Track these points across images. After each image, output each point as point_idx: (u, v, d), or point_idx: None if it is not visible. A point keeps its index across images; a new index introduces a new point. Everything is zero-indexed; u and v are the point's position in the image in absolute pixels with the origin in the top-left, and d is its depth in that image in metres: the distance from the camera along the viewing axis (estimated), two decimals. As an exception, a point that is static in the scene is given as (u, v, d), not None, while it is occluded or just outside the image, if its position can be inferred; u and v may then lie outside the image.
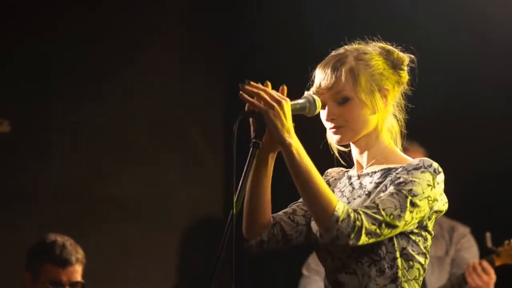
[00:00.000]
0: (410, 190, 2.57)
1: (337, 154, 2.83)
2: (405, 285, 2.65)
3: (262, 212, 2.73)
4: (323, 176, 2.88)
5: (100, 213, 5.57)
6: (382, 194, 2.59)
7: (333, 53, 2.79)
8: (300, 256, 5.18)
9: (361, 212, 2.53)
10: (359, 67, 2.72)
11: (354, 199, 2.72)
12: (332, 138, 2.76)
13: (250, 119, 2.65)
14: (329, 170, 2.92)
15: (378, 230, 2.53)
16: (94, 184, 5.58)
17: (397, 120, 2.81)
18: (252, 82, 2.61)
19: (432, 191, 2.61)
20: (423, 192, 2.59)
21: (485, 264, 4.64)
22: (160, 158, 5.81)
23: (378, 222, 2.53)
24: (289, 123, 2.57)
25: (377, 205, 2.55)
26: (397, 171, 2.64)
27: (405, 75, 2.80)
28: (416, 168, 2.62)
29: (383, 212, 2.53)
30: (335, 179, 2.88)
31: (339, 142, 2.75)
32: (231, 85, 5.97)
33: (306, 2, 5.62)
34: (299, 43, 5.54)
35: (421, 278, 2.70)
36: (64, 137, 5.55)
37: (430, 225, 2.70)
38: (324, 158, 2.86)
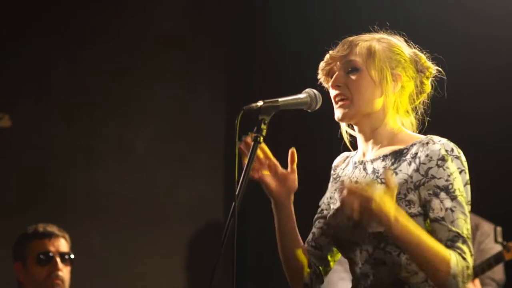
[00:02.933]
0: (459, 189, 2.60)
1: (347, 143, 2.83)
2: None
3: (297, 258, 2.77)
4: (332, 171, 2.88)
5: (101, 211, 5.56)
6: (442, 211, 2.58)
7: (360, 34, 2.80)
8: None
9: (466, 257, 2.55)
10: (379, 47, 2.73)
11: None
12: (335, 114, 2.74)
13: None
14: (335, 163, 2.90)
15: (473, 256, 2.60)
16: (95, 183, 5.58)
17: (412, 124, 2.80)
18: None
19: (465, 174, 2.64)
20: (461, 182, 2.61)
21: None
22: (161, 157, 5.80)
23: (469, 246, 2.58)
24: (386, 207, 2.50)
25: (459, 233, 2.56)
26: (421, 160, 2.61)
27: (427, 84, 2.80)
28: (445, 158, 2.61)
29: (465, 234, 2.57)
30: (343, 168, 2.86)
31: (341, 118, 2.73)
32: (232, 84, 5.97)
33: (310, 1, 5.62)
34: (302, 42, 5.54)
35: None
36: (66, 134, 5.55)
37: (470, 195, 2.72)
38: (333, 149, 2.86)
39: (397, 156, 2.67)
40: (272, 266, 5.80)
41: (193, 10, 5.97)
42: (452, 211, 2.57)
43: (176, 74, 5.89)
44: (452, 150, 2.63)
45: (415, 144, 2.66)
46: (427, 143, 2.64)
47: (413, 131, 2.78)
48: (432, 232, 2.58)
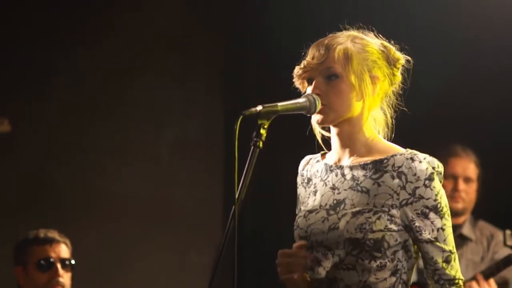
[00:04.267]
0: (446, 205, 2.66)
1: (320, 140, 2.82)
2: (404, 276, 2.67)
3: None
4: (300, 176, 2.86)
5: (100, 211, 5.57)
6: (433, 232, 2.63)
7: (330, 34, 2.78)
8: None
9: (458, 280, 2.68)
10: (354, 49, 2.71)
11: (345, 190, 2.69)
12: (314, 118, 2.73)
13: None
14: (300, 168, 2.88)
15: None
16: (93, 183, 5.58)
17: (385, 115, 2.79)
18: None
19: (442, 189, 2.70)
20: (445, 195, 2.68)
21: (479, 277, 4.65)
22: (161, 157, 5.80)
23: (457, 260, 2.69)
24: None
25: (451, 251, 2.65)
26: (407, 178, 2.63)
27: (398, 75, 2.79)
28: (431, 178, 2.64)
29: (454, 249, 2.68)
30: (309, 170, 2.84)
31: (320, 123, 2.73)
32: (230, 85, 5.97)
33: (309, 2, 5.62)
34: (300, 43, 5.53)
35: (415, 265, 2.73)
36: (64, 135, 5.55)
37: None
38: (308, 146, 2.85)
39: (378, 166, 2.67)
40: (271, 269, 5.82)
41: (191, 10, 5.97)
42: (443, 229, 2.64)
43: (174, 74, 5.89)
44: (438, 166, 2.66)
45: (395, 155, 2.66)
46: (412, 159, 2.65)
47: (382, 129, 2.78)
48: (424, 253, 2.65)
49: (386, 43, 2.79)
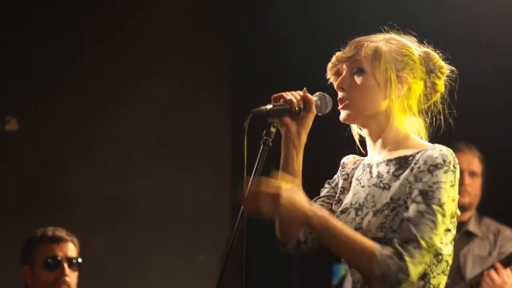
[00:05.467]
0: (438, 200, 2.55)
1: (358, 143, 2.82)
2: (433, 280, 2.62)
3: None
4: (341, 167, 2.87)
5: (107, 214, 5.57)
6: (413, 212, 2.53)
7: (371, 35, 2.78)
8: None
9: (408, 260, 2.50)
10: (385, 48, 2.70)
11: (369, 187, 2.68)
12: (340, 115, 2.73)
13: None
14: (345, 161, 2.89)
15: (423, 265, 2.54)
16: (98, 186, 5.58)
17: (424, 121, 2.77)
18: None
19: (454, 189, 2.60)
20: (448, 196, 2.57)
21: (498, 266, 4.66)
22: (166, 158, 5.80)
23: (422, 255, 2.52)
24: (300, 201, 2.53)
25: (416, 236, 2.51)
26: (417, 164, 2.59)
27: (440, 84, 2.77)
28: (438, 166, 2.57)
29: (423, 243, 2.51)
30: (353, 168, 2.84)
31: (343, 119, 2.73)
32: (236, 84, 5.96)
33: (313, 1, 5.62)
34: (305, 42, 5.54)
35: (448, 268, 2.66)
36: (68, 138, 5.55)
37: (455, 210, 2.65)
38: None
39: (402, 162, 2.65)
40: (279, 269, 5.82)
41: (196, 11, 5.97)
42: (422, 216, 2.53)
43: (179, 74, 5.88)
44: (450, 162, 2.58)
45: (421, 151, 2.63)
46: (429, 149, 2.61)
47: (423, 134, 2.76)
48: (397, 231, 2.55)
49: (430, 51, 2.77)
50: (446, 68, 2.78)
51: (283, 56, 5.72)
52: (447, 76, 2.79)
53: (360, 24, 2.92)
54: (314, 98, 2.72)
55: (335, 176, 2.88)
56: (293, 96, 2.68)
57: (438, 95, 2.78)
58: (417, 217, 2.53)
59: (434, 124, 2.78)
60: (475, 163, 5.05)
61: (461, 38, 5.21)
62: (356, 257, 2.53)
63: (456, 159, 2.61)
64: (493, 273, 4.64)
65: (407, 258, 2.49)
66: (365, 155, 2.83)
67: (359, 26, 2.87)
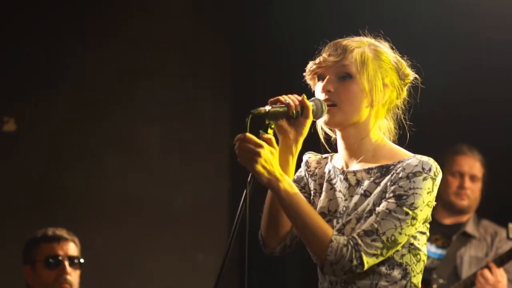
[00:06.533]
0: (412, 204, 2.59)
1: (322, 140, 2.83)
2: (414, 279, 2.68)
3: (284, 216, 2.72)
4: (306, 166, 2.88)
5: (107, 212, 5.57)
6: (381, 208, 2.58)
7: (348, 37, 2.79)
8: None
9: (360, 243, 2.55)
10: (371, 55, 2.72)
11: (352, 196, 2.71)
12: (321, 119, 2.74)
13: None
14: (308, 159, 2.90)
15: (379, 257, 2.57)
16: (101, 183, 5.59)
17: (389, 124, 2.80)
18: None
19: (431, 196, 2.63)
20: (423, 201, 2.61)
21: (492, 265, 4.67)
22: (166, 157, 5.80)
23: (379, 249, 2.56)
24: (275, 164, 2.59)
25: (377, 230, 2.56)
26: (397, 171, 2.62)
27: (404, 90, 2.80)
28: (417, 173, 2.60)
29: (383, 237, 2.56)
30: (318, 168, 2.86)
31: (327, 123, 2.74)
32: (237, 85, 5.96)
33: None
34: (305, 41, 5.52)
35: (423, 267, 2.72)
36: (69, 136, 5.55)
37: (430, 214, 2.69)
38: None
39: (383, 171, 2.67)
40: (281, 266, 5.82)
41: (198, 11, 5.97)
42: (389, 213, 2.57)
43: (179, 74, 5.88)
44: (430, 169, 2.62)
45: (402, 161, 2.66)
46: (410, 158, 2.65)
47: (392, 135, 2.80)
48: (361, 223, 2.60)
49: (399, 58, 2.80)
50: (411, 76, 2.81)
51: (283, 56, 5.72)
52: (411, 82, 2.81)
53: (360, 24, 2.91)
54: (310, 103, 2.72)
55: (301, 175, 2.89)
56: (291, 99, 2.68)
57: (399, 101, 2.80)
58: (384, 213, 2.58)
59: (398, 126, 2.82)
60: (476, 167, 5.06)
61: (461, 38, 5.22)
62: (311, 236, 2.58)
63: (438, 167, 2.64)
64: (487, 272, 4.66)
65: (362, 249, 2.54)
66: (328, 152, 2.85)
67: (359, 26, 2.87)
